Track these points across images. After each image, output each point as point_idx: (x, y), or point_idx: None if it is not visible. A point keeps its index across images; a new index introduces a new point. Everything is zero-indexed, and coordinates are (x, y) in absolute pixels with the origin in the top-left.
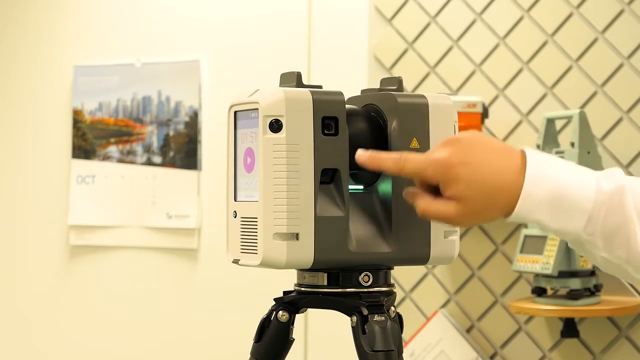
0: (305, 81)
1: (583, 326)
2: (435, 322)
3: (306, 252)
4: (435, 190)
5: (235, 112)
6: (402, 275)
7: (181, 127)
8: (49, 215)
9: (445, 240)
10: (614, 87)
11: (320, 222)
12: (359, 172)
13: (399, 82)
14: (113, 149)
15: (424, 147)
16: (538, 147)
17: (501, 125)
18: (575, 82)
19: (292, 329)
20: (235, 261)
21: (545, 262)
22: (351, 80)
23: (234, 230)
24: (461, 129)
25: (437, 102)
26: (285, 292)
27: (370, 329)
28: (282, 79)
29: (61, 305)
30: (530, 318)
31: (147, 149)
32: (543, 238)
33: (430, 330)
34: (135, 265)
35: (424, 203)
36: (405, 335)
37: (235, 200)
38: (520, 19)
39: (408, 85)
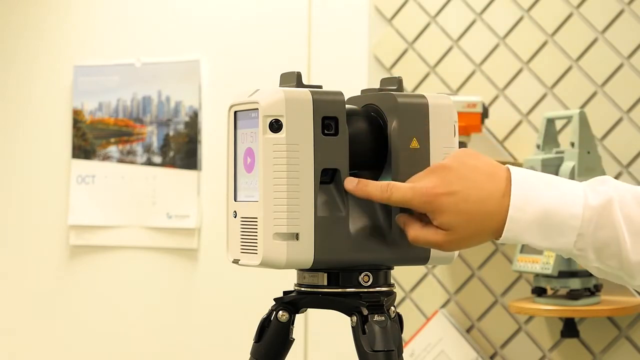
0: (305, 81)
1: (583, 326)
2: (435, 322)
3: (306, 252)
4: (426, 216)
5: (235, 112)
6: (402, 275)
7: (181, 127)
8: (49, 215)
9: None
10: (614, 87)
11: (320, 222)
12: (359, 172)
13: (399, 82)
14: (113, 149)
15: (424, 147)
16: (538, 147)
17: (501, 125)
18: (575, 82)
19: (292, 329)
20: (235, 261)
21: (545, 262)
22: (351, 80)
23: (234, 230)
24: (461, 129)
25: (437, 102)
26: (285, 292)
27: (370, 329)
28: (282, 79)
29: (61, 305)
30: (530, 318)
31: (147, 149)
32: None
33: (430, 330)
34: (135, 265)
35: (414, 231)
36: (405, 335)
37: (235, 200)
38: (520, 19)
39: (408, 85)
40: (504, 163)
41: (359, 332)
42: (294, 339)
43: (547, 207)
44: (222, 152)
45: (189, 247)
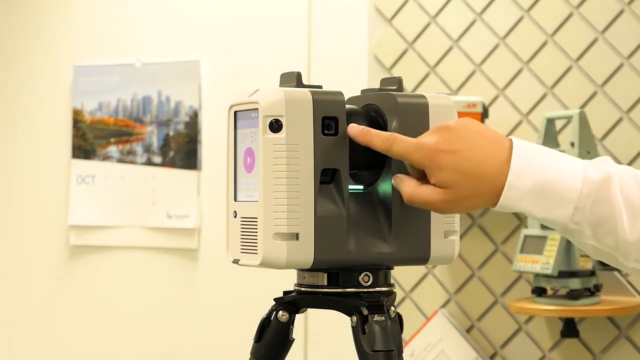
0: (305, 81)
1: (583, 326)
2: (435, 322)
3: (306, 252)
4: (424, 178)
5: (235, 112)
6: (402, 275)
7: (181, 127)
8: (49, 215)
9: (445, 240)
10: (614, 87)
11: (320, 222)
12: (359, 172)
13: (399, 82)
14: (113, 149)
15: None
16: None
17: (501, 125)
18: (575, 82)
19: (292, 329)
20: (235, 261)
21: (545, 262)
22: (351, 80)
23: (234, 230)
24: None
25: (437, 102)
26: (285, 292)
27: (370, 329)
28: (282, 79)
29: (61, 305)
30: (530, 318)
31: (147, 149)
32: (543, 238)
33: (430, 330)
34: (135, 265)
35: (410, 189)
36: (405, 335)
37: (235, 200)
38: (520, 19)
39: (408, 85)
40: None
41: (359, 332)
42: (294, 339)
43: (547, 177)
44: (222, 152)
45: (189, 247)
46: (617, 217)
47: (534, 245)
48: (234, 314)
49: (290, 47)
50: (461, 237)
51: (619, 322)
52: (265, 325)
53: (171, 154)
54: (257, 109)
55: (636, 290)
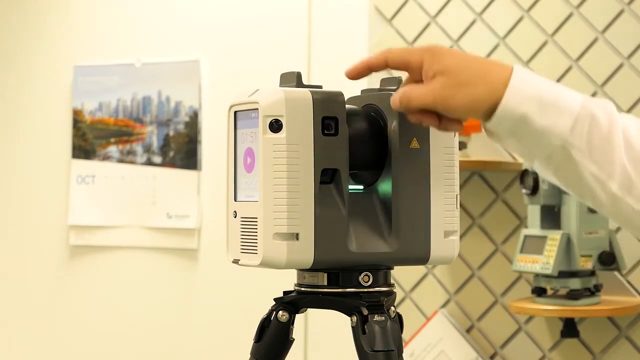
0: (305, 81)
1: (583, 326)
2: (435, 322)
3: (306, 252)
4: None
5: (235, 112)
6: (402, 275)
7: (181, 127)
8: (49, 215)
9: (445, 240)
10: (614, 87)
11: (320, 222)
12: (359, 172)
13: (399, 82)
14: (113, 149)
15: (424, 147)
16: None
17: None
18: (575, 82)
19: (292, 329)
20: (235, 261)
21: (545, 262)
22: (351, 81)
23: (234, 230)
24: None
25: None
26: (285, 292)
27: (370, 329)
28: (282, 79)
29: (61, 305)
30: (530, 318)
31: (147, 149)
32: (543, 238)
33: (430, 330)
34: (135, 265)
35: (407, 88)
36: (405, 335)
37: (235, 200)
38: (520, 19)
39: None
40: (504, 163)
41: (359, 332)
42: (294, 339)
43: (548, 89)
44: (222, 152)
45: (189, 247)
46: (614, 140)
47: (534, 245)
48: (234, 314)
49: (290, 47)
50: (461, 237)
51: (619, 322)
52: (265, 325)
53: (171, 154)
54: (257, 109)
55: (636, 290)
